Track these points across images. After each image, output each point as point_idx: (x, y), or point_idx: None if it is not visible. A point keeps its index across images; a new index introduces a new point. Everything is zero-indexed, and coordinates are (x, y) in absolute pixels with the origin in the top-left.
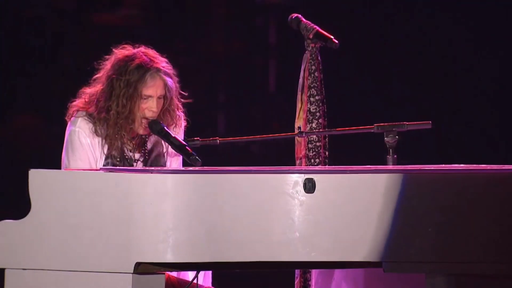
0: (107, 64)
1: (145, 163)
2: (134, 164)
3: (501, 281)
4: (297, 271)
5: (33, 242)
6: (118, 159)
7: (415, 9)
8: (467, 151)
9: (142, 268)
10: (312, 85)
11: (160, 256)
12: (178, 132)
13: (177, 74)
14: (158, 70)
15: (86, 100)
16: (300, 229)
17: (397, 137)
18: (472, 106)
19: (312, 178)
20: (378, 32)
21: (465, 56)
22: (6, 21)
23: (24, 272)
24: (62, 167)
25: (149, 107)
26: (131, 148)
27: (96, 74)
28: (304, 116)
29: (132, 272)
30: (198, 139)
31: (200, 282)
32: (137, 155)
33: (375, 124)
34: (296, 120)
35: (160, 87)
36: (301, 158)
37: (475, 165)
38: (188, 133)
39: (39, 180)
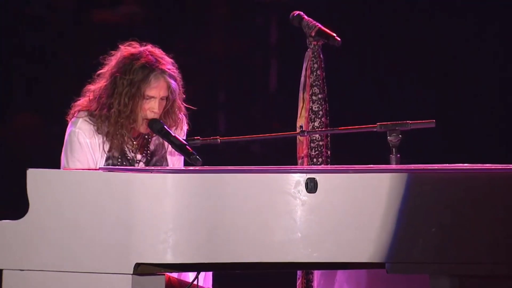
0: (112, 61)
1: (146, 164)
2: (136, 164)
3: (505, 282)
4: (299, 272)
5: (31, 242)
6: (119, 160)
7: (417, 7)
8: (471, 150)
9: (141, 269)
10: (314, 84)
11: (160, 257)
12: (179, 134)
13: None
14: (163, 71)
15: (90, 98)
16: (302, 229)
17: (400, 136)
18: (477, 105)
19: (314, 178)
20: (381, 29)
21: (469, 54)
22: (6, 19)
23: (22, 273)
24: (61, 168)
25: (151, 108)
26: (133, 148)
27: (100, 69)
28: (305, 115)
29: (131, 273)
30: (198, 139)
31: (200, 283)
32: (139, 156)
33: (378, 123)
34: (298, 119)
35: (163, 88)
36: (303, 158)
37: (479, 165)
38: (188, 132)
39: (37, 179)
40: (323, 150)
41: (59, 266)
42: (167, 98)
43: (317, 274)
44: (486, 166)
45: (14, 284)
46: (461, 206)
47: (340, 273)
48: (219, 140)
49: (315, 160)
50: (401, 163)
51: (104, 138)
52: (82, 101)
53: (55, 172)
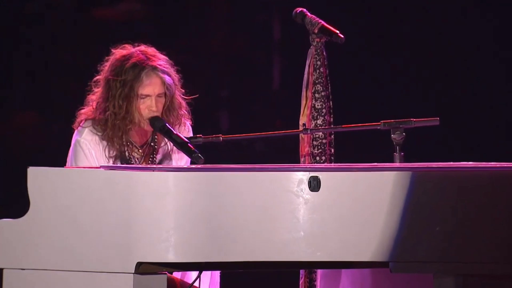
0: (106, 65)
1: None
2: None
3: (510, 282)
4: (301, 272)
5: (32, 241)
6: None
7: (421, 3)
8: (476, 148)
9: (143, 268)
10: (317, 81)
11: (161, 256)
12: (183, 132)
13: (179, 70)
14: (154, 68)
15: (94, 107)
16: (305, 228)
17: (404, 134)
18: (481, 103)
19: (317, 176)
20: (385, 26)
21: (474, 52)
22: (5, 17)
23: (22, 272)
24: None
25: (149, 107)
26: (138, 156)
27: (96, 76)
28: (308, 112)
29: (133, 272)
30: (200, 136)
31: (206, 282)
32: (143, 165)
33: (382, 121)
34: (300, 117)
35: (157, 85)
36: (305, 156)
37: (484, 163)
38: (192, 129)
39: (38, 178)
40: (326, 148)
41: (60, 265)
42: (164, 94)
43: (320, 273)
44: (490, 165)
45: (14, 284)
46: (466, 204)
47: (343, 273)
48: (221, 138)
49: (318, 158)
50: (405, 162)
51: (106, 143)
52: (86, 110)
53: (56, 170)
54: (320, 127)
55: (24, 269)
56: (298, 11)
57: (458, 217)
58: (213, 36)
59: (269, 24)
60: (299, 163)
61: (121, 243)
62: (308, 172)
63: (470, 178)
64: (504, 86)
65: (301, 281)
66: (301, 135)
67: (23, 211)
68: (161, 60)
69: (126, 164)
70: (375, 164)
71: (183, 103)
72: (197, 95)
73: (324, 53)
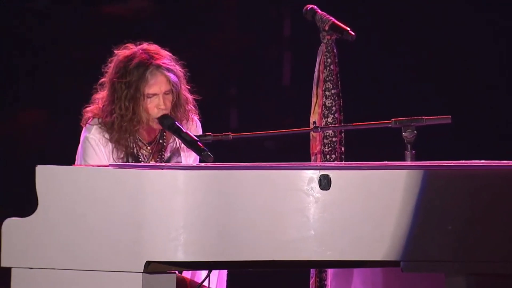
0: (110, 67)
1: None
2: None
3: None
4: (312, 271)
5: (40, 240)
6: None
7: (433, 2)
8: (488, 147)
9: (152, 267)
10: (327, 79)
11: (170, 255)
12: (191, 127)
13: (188, 67)
14: (158, 66)
15: (100, 105)
16: (315, 227)
17: (415, 132)
18: (493, 100)
19: (327, 175)
20: (396, 24)
21: (486, 50)
22: (11, 13)
23: (31, 271)
24: None
25: (157, 105)
26: (147, 154)
27: (102, 78)
28: (319, 110)
29: (142, 271)
30: (210, 135)
31: (214, 281)
32: (152, 163)
33: (393, 119)
34: (311, 115)
35: (163, 83)
36: (316, 154)
37: (496, 161)
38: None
39: (46, 176)
40: (337, 146)
41: (68, 264)
42: (171, 91)
43: (330, 273)
44: (502, 163)
45: (23, 283)
46: (478, 203)
47: (354, 272)
48: (230, 136)
49: (328, 156)
50: (416, 160)
51: (113, 146)
52: (92, 108)
53: (65, 168)
54: (330, 125)
55: (32, 268)
56: (308, 8)
57: (470, 215)
58: (223, 33)
59: (279, 21)
60: (310, 161)
61: (129, 242)
62: (318, 171)
63: (482, 177)
64: None
65: (311, 281)
66: (312, 133)
67: (31, 210)
68: (165, 57)
69: (135, 161)
70: (386, 162)
71: (190, 98)
72: (205, 93)
73: (335, 51)
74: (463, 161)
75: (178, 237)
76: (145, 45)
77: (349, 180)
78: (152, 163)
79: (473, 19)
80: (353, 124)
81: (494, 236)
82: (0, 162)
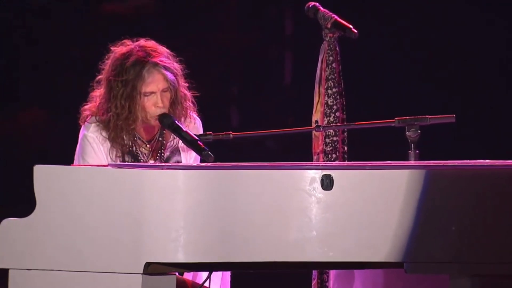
0: (106, 64)
1: None
2: None
3: None
4: (314, 272)
5: (38, 241)
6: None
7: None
8: (493, 146)
9: (152, 269)
10: (329, 77)
11: (170, 256)
12: (189, 125)
13: (188, 65)
14: (155, 64)
15: (97, 103)
16: (317, 227)
17: (419, 131)
18: (498, 99)
19: (329, 175)
20: (399, 21)
21: (490, 49)
22: (12, 11)
23: (28, 272)
24: None
25: (155, 103)
26: (146, 152)
27: (98, 76)
28: (321, 109)
29: (141, 272)
30: (210, 134)
31: (217, 283)
32: (151, 162)
33: (396, 118)
34: (313, 114)
35: (160, 81)
36: (318, 154)
37: (501, 161)
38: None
39: (44, 176)
40: (339, 146)
41: (66, 265)
42: (169, 89)
43: (332, 274)
44: (507, 163)
45: (20, 284)
46: (482, 203)
47: (356, 274)
48: (231, 135)
49: (330, 156)
50: (420, 160)
51: (110, 144)
52: (90, 106)
53: (63, 168)
54: (332, 125)
55: (30, 270)
56: (310, 5)
57: (474, 216)
58: (223, 31)
59: (281, 18)
60: (312, 161)
61: (129, 243)
62: (320, 170)
63: (486, 177)
64: None
65: (313, 282)
66: (314, 132)
67: (29, 210)
68: (162, 54)
69: (134, 159)
70: (389, 162)
71: (188, 95)
72: (206, 92)
73: (337, 49)
74: (467, 161)
75: (178, 238)
76: (142, 42)
77: (352, 180)
78: (151, 161)
79: (476, 17)
80: (356, 123)
81: (498, 237)
82: (0, 162)
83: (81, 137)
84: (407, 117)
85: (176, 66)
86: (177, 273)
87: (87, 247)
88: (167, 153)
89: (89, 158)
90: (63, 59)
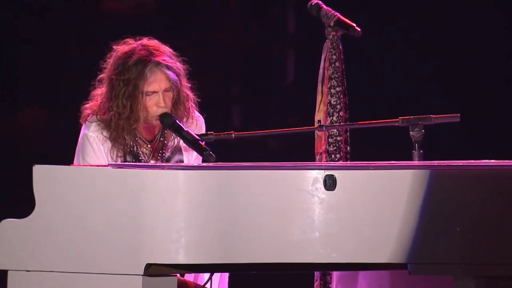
0: (108, 63)
1: None
2: None
3: None
4: (316, 274)
5: (38, 242)
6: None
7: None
8: (498, 145)
9: (152, 270)
10: (332, 76)
11: (171, 257)
12: (191, 126)
13: (190, 64)
14: (157, 63)
15: (98, 102)
16: (320, 228)
17: (423, 131)
18: (503, 98)
19: (332, 175)
20: (403, 20)
21: (495, 48)
22: (11, 10)
23: (28, 274)
24: None
25: (157, 103)
26: (147, 152)
27: (100, 74)
28: (324, 109)
29: (142, 274)
30: (212, 134)
31: (216, 283)
32: (152, 162)
33: (400, 117)
34: (316, 113)
35: (162, 80)
36: (321, 153)
37: (506, 161)
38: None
39: (44, 176)
40: (342, 145)
41: (66, 266)
42: (171, 89)
43: (335, 275)
44: None
45: (19, 286)
46: (487, 204)
47: (360, 275)
48: (233, 135)
49: (333, 156)
50: (424, 160)
51: (111, 144)
52: (91, 105)
53: (63, 168)
54: (335, 124)
55: (29, 271)
56: (313, 3)
57: (479, 217)
58: (225, 29)
59: (283, 16)
60: (314, 161)
61: (129, 244)
62: (323, 171)
63: (491, 177)
64: None
65: (316, 284)
66: (317, 132)
67: (28, 210)
68: (164, 53)
69: (135, 159)
70: (393, 162)
71: (190, 95)
72: (207, 91)
73: (340, 47)
74: (472, 161)
75: (179, 239)
76: (145, 41)
77: (355, 180)
78: (152, 161)
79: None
80: (359, 122)
81: (503, 238)
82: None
83: (82, 136)
84: (411, 117)
85: (179, 65)
86: (178, 275)
87: (87, 248)
88: (168, 153)
89: (88, 158)
90: (63, 59)
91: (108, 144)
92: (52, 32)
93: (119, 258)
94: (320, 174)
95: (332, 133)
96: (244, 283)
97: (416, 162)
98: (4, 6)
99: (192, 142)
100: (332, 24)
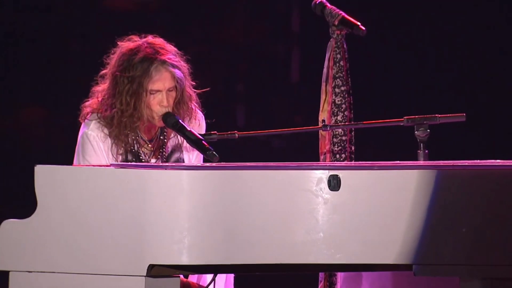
0: (113, 59)
1: None
2: None
3: None
4: (321, 275)
5: (39, 242)
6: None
7: None
8: (504, 145)
9: (155, 271)
10: (337, 75)
11: (174, 258)
12: (194, 125)
13: (193, 63)
14: (163, 62)
15: (99, 99)
16: (324, 229)
17: (428, 130)
18: (510, 97)
19: (337, 175)
20: (408, 18)
21: (500, 47)
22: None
23: (29, 274)
24: None
25: (160, 102)
26: (147, 151)
27: (103, 70)
28: (328, 108)
29: (145, 275)
30: (215, 133)
31: (221, 285)
32: (153, 160)
33: (405, 117)
34: (320, 113)
35: (167, 79)
36: (325, 153)
37: None
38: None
39: (46, 176)
40: (347, 145)
41: (68, 267)
42: (175, 88)
43: (340, 276)
44: None
45: (21, 287)
46: (493, 204)
47: (364, 276)
48: (237, 135)
49: (338, 156)
50: (429, 160)
51: (112, 141)
52: (91, 102)
53: (65, 168)
54: (340, 124)
55: (31, 272)
56: (317, 2)
57: (486, 218)
58: (230, 27)
59: (287, 15)
60: (319, 161)
61: (132, 245)
62: (327, 171)
63: (497, 177)
64: None
65: (320, 285)
66: (321, 131)
67: (30, 211)
68: (170, 52)
69: (135, 158)
70: (398, 162)
71: (194, 95)
72: (210, 90)
73: (345, 46)
74: (478, 161)
75: (182, 240)
76: (150, 38)
77: (360, 180)
78: (153, 161)
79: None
80: (364, 122)
81: (510, 239)
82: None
83: (81, 135)
84: (416, 116)
85: (183, 65)
86: (181, 276)
87: (89, 248)
88: (169, 151)
89: (88, 157)
90: (65, 57)
91: (108, 142)
92: (53, 30)
93: (121, 259)
94: (324, 174)
95: (337, 132)
96: (249, 284)
97: (421, 162)
98: (4, 4)
99: (195, 142)
100: (336, 23)
